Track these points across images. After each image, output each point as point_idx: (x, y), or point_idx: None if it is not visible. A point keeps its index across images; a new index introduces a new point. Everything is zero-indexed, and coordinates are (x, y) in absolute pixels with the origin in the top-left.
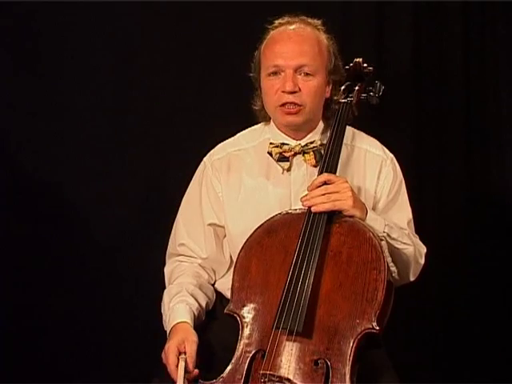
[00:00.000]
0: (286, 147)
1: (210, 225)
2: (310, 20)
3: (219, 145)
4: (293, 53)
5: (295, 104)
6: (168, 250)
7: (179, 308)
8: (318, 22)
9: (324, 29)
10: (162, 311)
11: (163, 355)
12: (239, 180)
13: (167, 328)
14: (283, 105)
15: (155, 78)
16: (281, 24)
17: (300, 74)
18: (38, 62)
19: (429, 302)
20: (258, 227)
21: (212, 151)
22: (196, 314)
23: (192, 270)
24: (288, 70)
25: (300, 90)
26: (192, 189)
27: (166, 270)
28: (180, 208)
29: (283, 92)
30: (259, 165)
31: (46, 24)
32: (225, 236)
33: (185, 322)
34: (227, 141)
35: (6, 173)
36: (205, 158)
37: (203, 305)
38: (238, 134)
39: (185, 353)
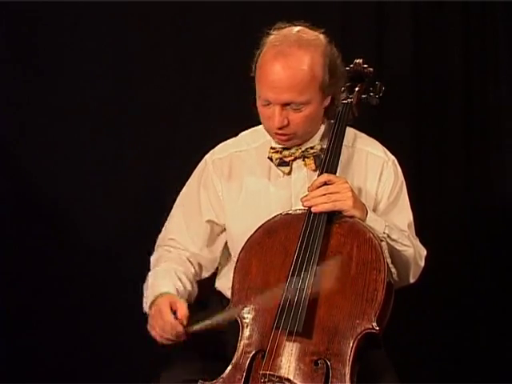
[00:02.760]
0: (286, 152)
1: (207, 221)
2: (305, 35)
3: (221, 144)
4: (281, 89)
5: (285, 134)
6: (158, 241)
7: (165, 283)
8: (314, 35)
9: (322, 39)
10: (145, 290)
11: (152, 319)
12: (240, 181)
13: (148, 300)
14: (275, 132)
15: (155, 78)
16: (274, 44)
17: (289, 105)
18: (38, 61)
19: (429, 303)
20: (259, 228)
21: (213, 150)
22: (183, 296)
23: (180, 259)
24: (277, 105)
25: (289, 122)
26: (191, 185)
27: (153, 258)
28: (176, 203)
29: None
30: (261, 167)
31: (46, 25)
32: (218, 234)
33: (171, 293)
34: (229, 141)
35: (3, 173)
36: (206, 156)
37: (189, 290)
38: (241, 134)
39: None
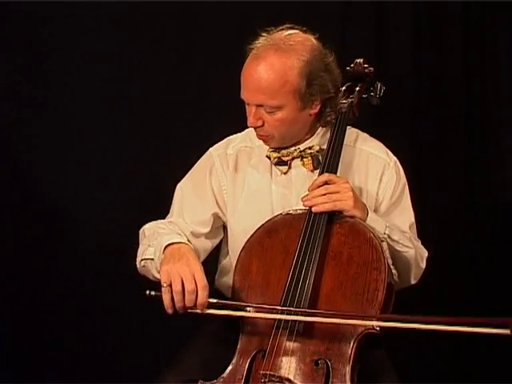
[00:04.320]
0: (284, 152)
1: (213, 214)
2: (288, 41)
3: (226, 139)
4: (252, 91)
5: (261, 135)
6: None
7: (173, 235)
8: (299, 41)
9: (308, 46)
10: (141, 247)
11: (165, 274)
12: (243, 178)
13: (163, 242)
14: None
15: (156, 78)
16: (256, 46)
17: (263, 107)
18: (38, 61)
19: (429, 303)
20: (259, 228)
21: (218, 144)
22: None
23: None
24: (252, 105)
25: (263, 123)
26: (197, 173)
27: (143, 228)
28: (178, 190)
29: None
30: (263, 165)
31: (46, 24)
32: (218, 227)
33: (184, 243)
34: (235, 136)
35: (5, 173)
36: (211, 149)
37: None
38: (246, 131)
39: None
